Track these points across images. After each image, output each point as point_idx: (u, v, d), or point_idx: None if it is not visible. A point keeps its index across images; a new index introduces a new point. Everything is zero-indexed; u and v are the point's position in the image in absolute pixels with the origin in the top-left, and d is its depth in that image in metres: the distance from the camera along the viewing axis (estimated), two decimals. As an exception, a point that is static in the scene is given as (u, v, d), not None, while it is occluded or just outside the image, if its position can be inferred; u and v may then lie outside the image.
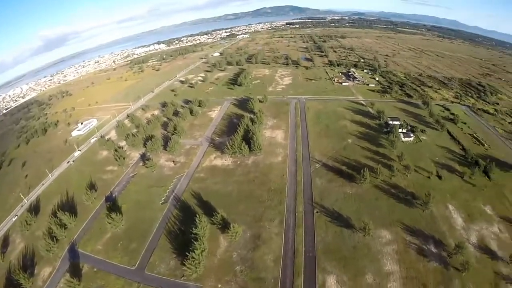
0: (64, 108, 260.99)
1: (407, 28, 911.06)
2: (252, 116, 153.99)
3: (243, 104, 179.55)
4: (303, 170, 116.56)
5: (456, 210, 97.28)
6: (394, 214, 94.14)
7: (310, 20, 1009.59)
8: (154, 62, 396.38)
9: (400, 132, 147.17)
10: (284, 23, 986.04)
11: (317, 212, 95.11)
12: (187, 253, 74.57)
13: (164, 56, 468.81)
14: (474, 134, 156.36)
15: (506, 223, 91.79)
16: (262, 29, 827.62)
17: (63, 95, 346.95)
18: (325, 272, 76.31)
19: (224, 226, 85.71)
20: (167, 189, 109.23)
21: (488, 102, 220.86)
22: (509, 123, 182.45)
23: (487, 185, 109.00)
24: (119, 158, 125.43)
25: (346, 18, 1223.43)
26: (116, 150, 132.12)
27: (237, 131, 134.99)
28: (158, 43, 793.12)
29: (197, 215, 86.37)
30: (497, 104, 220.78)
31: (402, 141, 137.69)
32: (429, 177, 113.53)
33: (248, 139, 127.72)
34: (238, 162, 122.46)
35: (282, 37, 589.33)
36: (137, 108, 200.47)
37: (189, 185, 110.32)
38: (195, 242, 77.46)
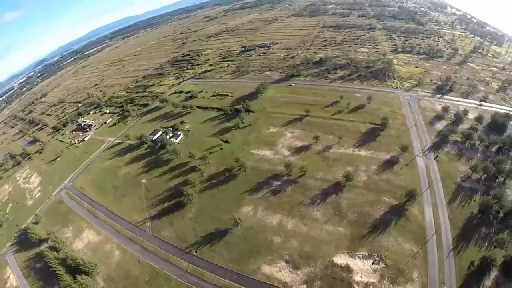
0: None
1: (92, 48, 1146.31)
2: (47, 245, 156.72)
3: (25, 243, 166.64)
4: (144, 239, 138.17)
5: (246, 148, 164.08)
6: (235, 192, 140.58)
7: None
8: None
9: (170, 138, 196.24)
10: None
11: (196, 252, 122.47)
12: None
13: None
14: (215, 93, 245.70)
15: (288, 126, 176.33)
16: None
17: None
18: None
19: None
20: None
21: (200, 65, 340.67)
22: (227, 66, 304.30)
23: (256, 117, 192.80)
24: None
25: (32, 74, 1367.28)
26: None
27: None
28: None
29: None
30: (208, 60, 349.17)
31: (178, 143, 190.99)
32: (221, 149, 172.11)
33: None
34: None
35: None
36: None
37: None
38: None
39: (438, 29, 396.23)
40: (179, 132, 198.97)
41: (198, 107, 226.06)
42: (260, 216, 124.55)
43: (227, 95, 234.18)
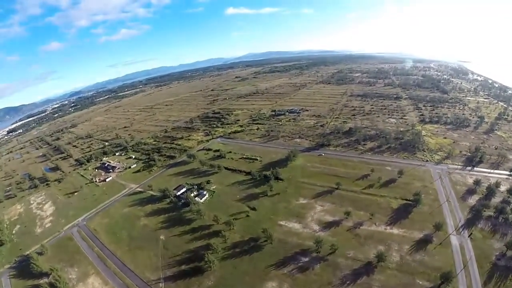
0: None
1: (127, 91, 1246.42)
2: (47, 280, 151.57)
3: (24, 271, 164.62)
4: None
5: (274, 218, 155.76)
6: (259, 264, 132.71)
7: (31, 119, 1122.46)
8: None
9: (195, 196, 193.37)
10: (6, 133, 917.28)
11: None
12: None
13: None
14: (244, 155, 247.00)
15: (318, 198, 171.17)
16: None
17: None
18: None
19: None
20: None
21: (230, 124, 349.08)
22: (257, 129, 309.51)
23: (285, 186, 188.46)
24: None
25: (66, 102, 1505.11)
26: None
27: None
28: None
29: None
30: (238, 120, 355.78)
31: (203, 203, 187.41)
32: (248, 216, 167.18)
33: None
34: None
35: (11, 151, 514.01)
36: None
37: None
38: None
39: (462, 96, 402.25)
40: (205, 192, 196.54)
41: (226, 168, 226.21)
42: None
43: (256, 159, 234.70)
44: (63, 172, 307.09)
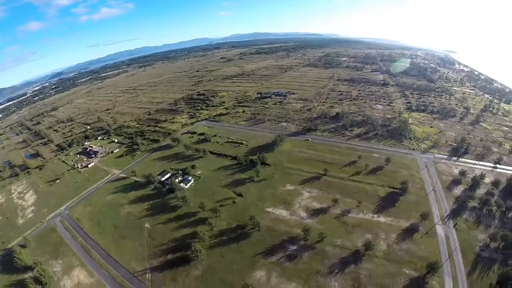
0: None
1: (109, 71, 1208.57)
2: (31, 274, 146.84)
3: (8, 265, 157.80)
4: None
5: (261, 205, 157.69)
6: (247, 253, 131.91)
7: (11, 103, 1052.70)
8: None
9: (179, 182, 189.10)
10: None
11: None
12: None
13: None
14: (229, 139, 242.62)
15: (305, 184, 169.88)
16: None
17: None
18: None
19: None
20: None
21: (215, 107, 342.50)
22: (242, 112, 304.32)
23: (272, 171, 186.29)
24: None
25: (47, 84, 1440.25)
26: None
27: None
28: None
29: None
30: (224, 103, 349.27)
31: (188, 189, 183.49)
32: (234, 202, 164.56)
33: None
34: None
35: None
36: None
37: None
38: None
39: (449, 86, 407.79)
40: (190, 177, 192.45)
41: (211, 152, 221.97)
42: (274, 283, 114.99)
43: (242, 144, 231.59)
44: (44, 158, 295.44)
